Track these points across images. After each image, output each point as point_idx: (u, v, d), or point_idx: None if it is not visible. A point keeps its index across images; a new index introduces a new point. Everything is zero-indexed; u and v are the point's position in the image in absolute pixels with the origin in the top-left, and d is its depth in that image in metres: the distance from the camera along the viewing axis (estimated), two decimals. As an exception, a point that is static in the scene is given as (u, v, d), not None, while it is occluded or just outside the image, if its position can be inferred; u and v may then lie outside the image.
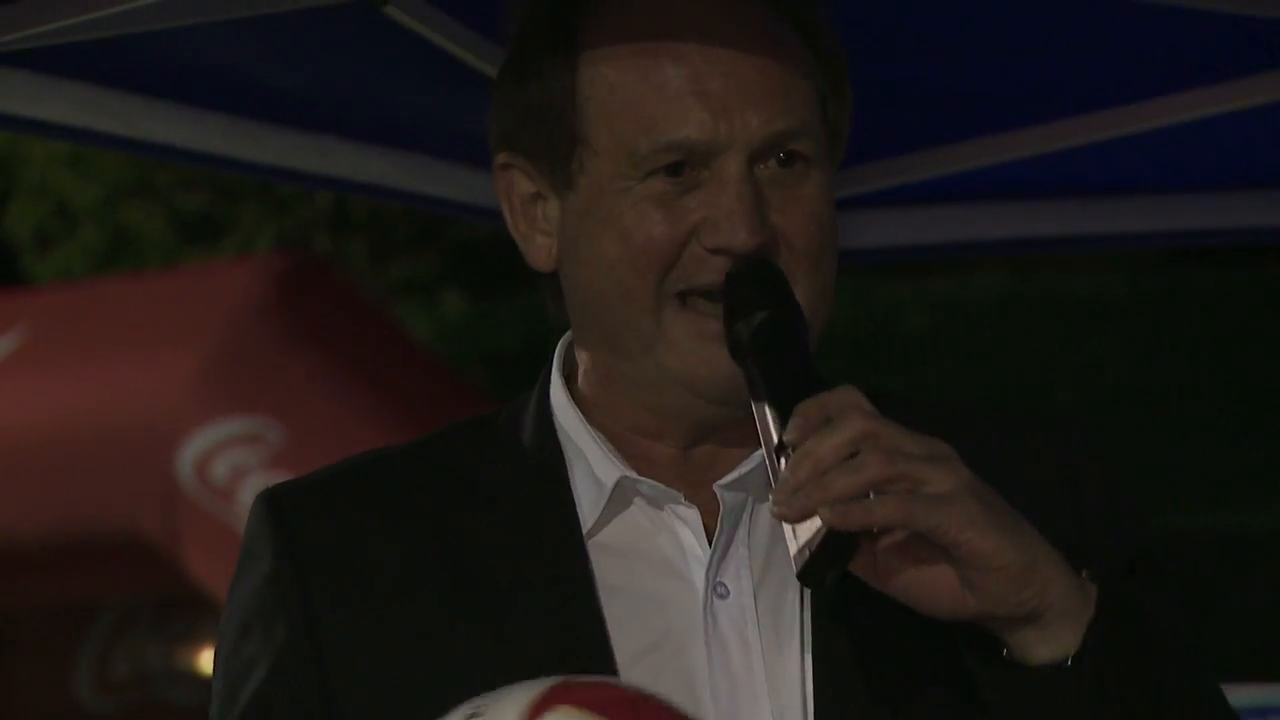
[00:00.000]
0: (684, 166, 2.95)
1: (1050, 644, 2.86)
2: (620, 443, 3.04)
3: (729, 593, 2.98)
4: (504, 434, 3.11)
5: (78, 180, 25.29)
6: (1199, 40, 4.66)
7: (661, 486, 3.01)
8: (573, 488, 3.04)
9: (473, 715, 2.67)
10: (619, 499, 3.02)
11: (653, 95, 2.95)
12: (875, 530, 2.78)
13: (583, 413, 3.07)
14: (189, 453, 14.13)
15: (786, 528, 2.81)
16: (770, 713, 2.94)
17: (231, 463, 13.95)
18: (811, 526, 2.78)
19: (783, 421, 2.83)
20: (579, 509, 3.03)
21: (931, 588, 2.83)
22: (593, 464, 3.04)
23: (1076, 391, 26.69)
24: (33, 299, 18.12)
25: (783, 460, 2.82)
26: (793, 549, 2.81)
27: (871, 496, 2.78)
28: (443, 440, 3.18)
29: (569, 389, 3.10)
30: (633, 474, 3.02)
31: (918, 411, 3.06)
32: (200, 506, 13.96)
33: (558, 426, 3.08)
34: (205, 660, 16.01)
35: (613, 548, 3.02)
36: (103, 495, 14.43)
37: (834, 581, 2.81)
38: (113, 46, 4.43)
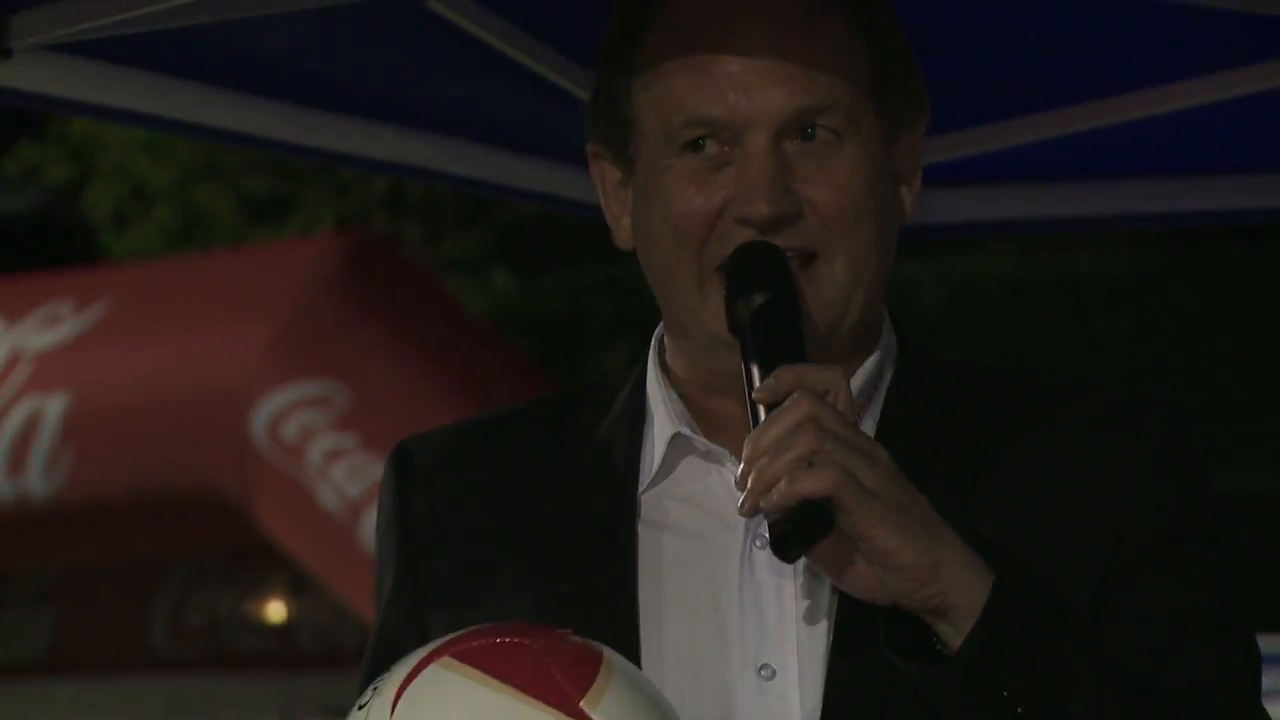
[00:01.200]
0: (709, 141, 2.97)
1: (960, 638, 2.86)
2: (691, 401, 3.06)
3: (766, 545, 2.94)
4: (608, 395, 3.14)
5: (152, 164, 25.27)
6: (1197, 32, 4.64)
7: (711, 444, 3.03)
8: (642, 444, 3.07)
9: (381, 676, 2.77)
10: (675, 453, 3.05)
11: (686, 79, 2.97)
12: (818, 499, 2.78)
13: (665, 375, 3.10)
14: (262, 414, 14.18)
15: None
16: (795, 650, 2.95)
17: (301, 423, 14.00)
18: (775, 515, 2.80)
19: (753, 393, 2.86)
20: (643, 459, 3.06)
21: (853, 574, 2.85)
22: (659, 421, 3.07)
23: (1079, 363, 26.66)
24: (116, 274, 18.16)
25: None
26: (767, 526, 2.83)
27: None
28: (562, 399, 3.24)
29: (659, 358, 3.12)
30: (687, 430, 3.04)
31: (968, 372, 3.12)
32: (272, 464, 14.01)
33: (647, 390, 3.11)
34: (273, 610, 16.05)
35: (668, 495, 3.04)
36: (181, 455, 14.47)
37: (799, 556, 2.82)
38: (177, 38, 4.43)
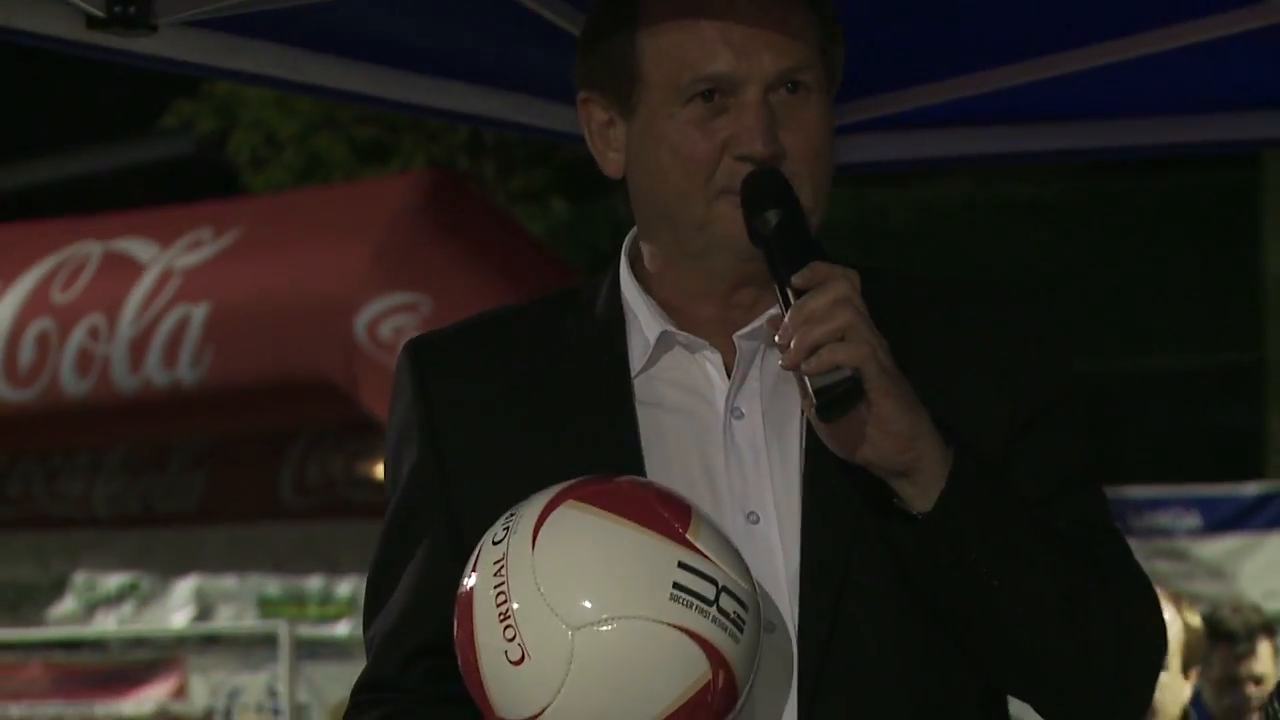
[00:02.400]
0: (714, 94, 2.92)
1: (921, 498, 2.82)
2: (670, 307, 3.00)
3: (744, 415, 2.95)
4: (585, 300, 3.08)
5: (282, 116, 25.42)
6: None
7: (694, 337, 2.98)
8: (627, 338, 3.01)
9: (511, 515, 2.70)
10: (662, 346, 2.99)
11: (692, 42, 2.93)
12: (852, 373, 2.75)
13: (642, 286, 3.03)
14: (363, 319, 14.21)
15: (799, 378, 2.78)
16: (772, 501, 2.90)
17: (394, 325, 14.02)
18: (826, 379, 2.74)
19: (793, 280, 2.81)
20: (630, 354, 3.00)
21: (843, 435, 2.80)
22: (643, 322, 3.01)
23: (1021, 270, 26.70)
24: (250, 203, 18.29)
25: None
26: (810, 393, 2.76)
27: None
28: (542, 304, 3.16)
29: (633, 270, 3.06)
30: (672, 328, 2.99)
31: (900, 283, 3.05)
32: (371, 358, 14.04)
33: (622, 295, 3.05)
34: (376, 470, 16.05)
35: (657, 380, 2.98)
36: (300, 351, 14.52)
37: (838, 418, 2.77)
38: (290, 13, 4.40)
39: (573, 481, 2.73)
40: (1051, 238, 28.60)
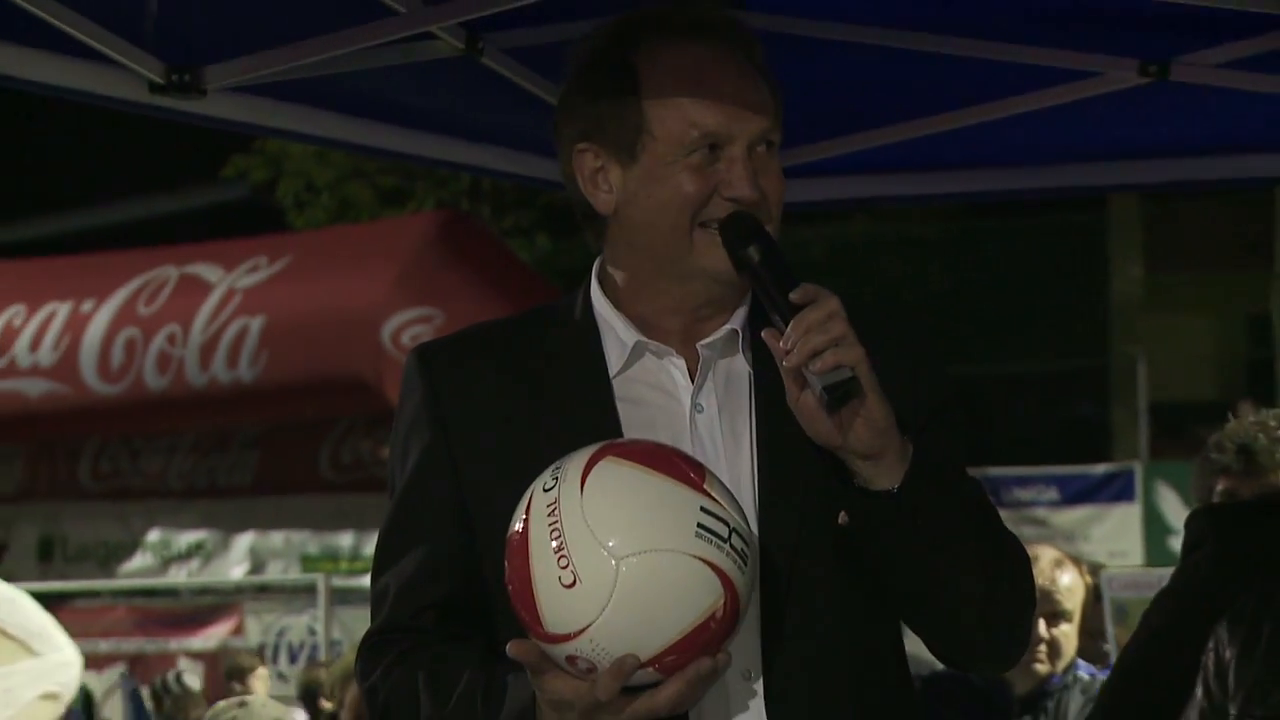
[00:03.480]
0: (716, 149, 2.89)
1: (883, 478, 2.78)
2: (639, 320, 2.94)
3: (704, 409, 2.91)
4: (563, 314, 3.01)
5: (319, 167, 25.58)
6: (1011, 69, 4.59)
7: (663, 346, 2.93)
8: (604, 346, 2.96)
9: (557, 468, 2.67)
10: (636, 354, 2.93)
11: (696, 106, 2.88)
12: (851, 372, 2.74)
13: (612, 302, 2.97)
14: (388, 329, 14.22)
15: (808, 375, 2.77)
16: (729, 481, 2.81)
17: (413, 334, 14.04)
18: (833, 377, 2.74)
19: (787, 302, 2.78)
20: (608, 359, 2.94)
21: (820, 423, 2.76)
22: (619, 332, 2.95)
23: (911, 292, 26.77)
24: (296, 237, 18.30)
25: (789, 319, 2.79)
26: (816, 389, 2.75)
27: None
28: (525, 317, 3.10)
29: (602, 289, 2.99)
30: (644, 339, 2.93)
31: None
32: (395, 361, 13.98)
33: (594, 310, 2.98)
34: (398, 452, 16.06)
35: (633, 381, 2.93)
36: (337, 354, 14.52)
37: (842, 408, 2.76)
38: (318, 82, 4.37)
39: (607, 441, 2.72)
40: (937, 266, 28.77)
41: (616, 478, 2.65)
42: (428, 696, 2.84)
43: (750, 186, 2.86)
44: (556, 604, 2.62)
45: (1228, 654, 3.37)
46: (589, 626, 2.61)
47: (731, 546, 2.63)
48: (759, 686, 2.82)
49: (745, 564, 2.64)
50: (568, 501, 2.64)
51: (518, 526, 2.67)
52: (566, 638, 2.62)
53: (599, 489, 2.65)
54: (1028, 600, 2.93)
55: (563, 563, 2.61)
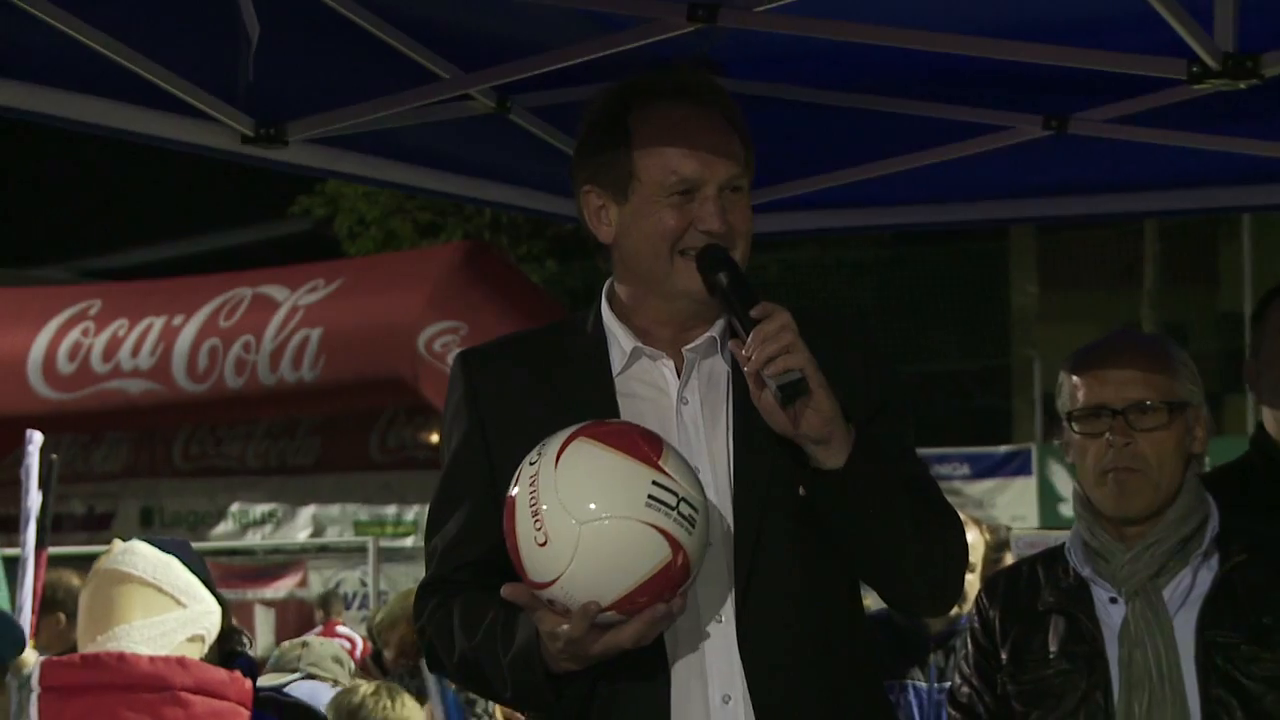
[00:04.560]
0: (690, 192, 2.87)
1: (831, 460, 2.77)
2: (638, 330, 2.93)
3: (689, 402, 2.89)
4: (579, 326, 3.00)
5: (368, 205, 25.48)
6: (939, 124, 4.59)
7: (656, 350, 2.91)
8: (609, 352, 2.94)
9: (542, 446, 2.69)
10: (634, 357, 2.92)
11: (675, 156, 2.87)
12: (800, 374, 2.73)
13: (617, 315, 2.96)
14: (423, 338, 14.14)
15: (765, 377, 2.75)
16: (708, 461, 2.84)
17: (443, 342, 13.97)
18: (784, 378, 2.73)
19: (748, 317, 2.77)
20: (612, 362, 2.93)
21: (777, 416, 2.76)
22: (621, 340, 2.93)
23: (851, 306, 26.70)
24: (349, 263, 18.25)
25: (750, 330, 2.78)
26: (772, 389, 2.75)
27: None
28: (551, 327, 3.10)
29: (610, 304, 2.98)
30: (641, 344, 2.92)
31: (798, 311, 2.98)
32: (429, 364, 13.99)
33: (604, 322, 2.97)
34: (433, 438, 15.99)
35: (632, 380, 2.91)
36: (382, 359, 14.44)
37: (794, 404, 2.74)
38: (376, 135, 4.39)
39: (585, 423, 2.72)
40: (870, 284, 28.74)
41: (584, 455, 2.66)
42: (461, 632, 2.85)
43: (719, 222, 2.84)
44: (534, 558, 2.65)
45: (992, 613, 3.31)
46: (559, 578, 2.63)
47: (679, 513, 2.63)
48: (731, 629, 2.81)
49: (693, 527, 2.64)
50: (544, 474, 2.66)
51: (511, 493, 2.69)
52: (543, 585, 2.65)
53: (569, 464, 2.66)
54: (959, 560, 2.90)
55: (538, 525, 2.63)
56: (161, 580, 3.50)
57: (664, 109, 2.89)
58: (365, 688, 4.79)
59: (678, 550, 2.62)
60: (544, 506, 2.64)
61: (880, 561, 2.86)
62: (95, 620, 3.47)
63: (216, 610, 3.55)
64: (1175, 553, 3.13)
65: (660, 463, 2.66)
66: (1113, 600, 3.15)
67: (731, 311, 2.82)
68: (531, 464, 2.69)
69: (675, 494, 2.63)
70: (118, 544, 3.63)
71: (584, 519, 2.62)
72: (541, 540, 2.63)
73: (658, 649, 2.78)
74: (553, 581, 2.64)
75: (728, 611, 2.81)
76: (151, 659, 3.34)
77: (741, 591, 2.81)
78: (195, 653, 3.45)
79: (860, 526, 2.81)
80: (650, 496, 2.62)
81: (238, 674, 3.47)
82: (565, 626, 2.65)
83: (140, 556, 3.56)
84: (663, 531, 2.62)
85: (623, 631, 2.66)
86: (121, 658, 3.34)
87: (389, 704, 4.67)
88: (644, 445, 2.67)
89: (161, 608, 3.46)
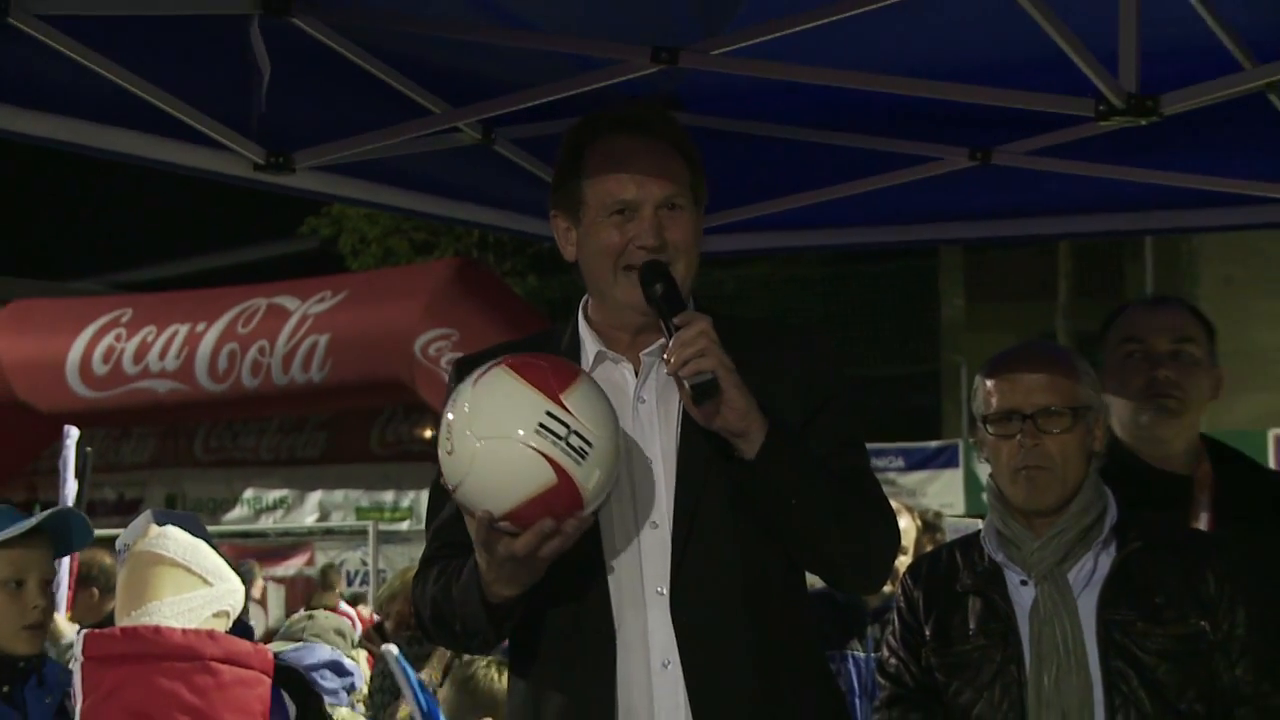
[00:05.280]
0: (626, 210, 2.86)
1: (750, 450, 2.75)
2: (603, 336, 2.92)
3: (645, 400, 2.88)
4: (559, 335, 2.98)
5: (369, 225, 25.40)
6: (877, 155, 4.59)
7: (617, 354, 2.90)
8: (581, 356, 2.93)
9: (472, 370, 2.70)
10: (599, 360, 2.91)
11: (614, 181, 2.86)
12: (711, 376, 2.71)
13: (589, 324, 2.95)
14: (419, 343, 14.02)
15: (679, 380, 2.74)
16: (660, 452, 2.84)
17: (436, 347, 13.86)
18: (697, 379, 2.72)
19: (673, 325, 2.76)
20: (584, 362, 2.91)
21: (702, 412, 2.75)
22: (589, 346, 2.93)
23: (798, 317, 26.72)
24: (352, 277, 18.10)
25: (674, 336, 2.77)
26: (686, 388, 2.73)
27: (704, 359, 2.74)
28: (536, 336, 3.07)
29: (584, 314, 2.97)
30: (604, 349, 2.91)
31: (740, 323, 2.95)
32: (424, 367, 13.87)
33: (579, 330, 2.96)
34: (427, 433, 15.93)
35: (597, 379, 2.85)
36: (383, 362, 14.36)
37: (706, 402, 2.73)
38: (377, 163, 4.36)
39: (510, 355, 2.71)
40: (816, 297, 28.76)
41: (496, 380, 2.66)
42: (433, 584, 2.87)
43: (653, 237, 2.83)
44: (445, 464, 2.67)
45: (916, 594, 3.30)
46: (460, 485, 2.64)
47: (568, 444, 2.61)
48: (666, 595, 2.79)
49: (583, 458, 2.61)
50: (462, 393, 2.67)
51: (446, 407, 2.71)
52: (453, 490, 2.67)
53: (482, 386, 2.66)
54: (882, 544, 2.87)
55: (448, 436, 2.65)
56: (190, 561, 3.52)
57: (612, 140, 2.88)
58: (480, 661, 4.79)
59: (562, 475, 2.60)
60: (453, 419, 2.65)
61: (803, 542, 2.83)
62: (131, 597, 3.50)
63: (240, 589, 3.56)
64: (1078, 541, 3.14)
65: (561, 397, 2.63)
66: (1023, 583, 3.16)
67: (662, 320, 2.80)
68: (460, 383, 2.70)
69: (567, 426, 2.61)
70: (153, 528, 3.64)
71: (480, 435, 2.61)
72: (449, 449, 2.65)
73: (604, 617, 2.77)
74: (456, 487, 2.65)
75: (665, 584, 2.79)
76: (184, 632, 3.35)
77: (677, 565, 2.79)
78: (221, 626, 3.47)
79: (780, 510, 2.78)
80: (541, 425, 2.61)
81: (261, 646, 3.48)
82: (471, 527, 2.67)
83: (172, 540, 3.59)
84: (547, 457, 2.60)
85: (517, 541, 2.64)
86: (157, 630, 3.36)
87: (496, 676, 4.67)
88: (551, 380, 2.66)
89: (190, 586, 3.48)
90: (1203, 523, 3.49)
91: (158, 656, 3.36)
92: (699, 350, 2.72)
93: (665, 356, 2.75)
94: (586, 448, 2.62)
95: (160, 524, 3.70)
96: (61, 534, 3.68)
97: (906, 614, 3.28)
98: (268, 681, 3.44)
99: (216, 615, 3.51)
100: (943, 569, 3.27)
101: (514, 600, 2.74)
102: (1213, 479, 3.55)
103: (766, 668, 2.80)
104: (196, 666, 3.37)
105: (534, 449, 2.60)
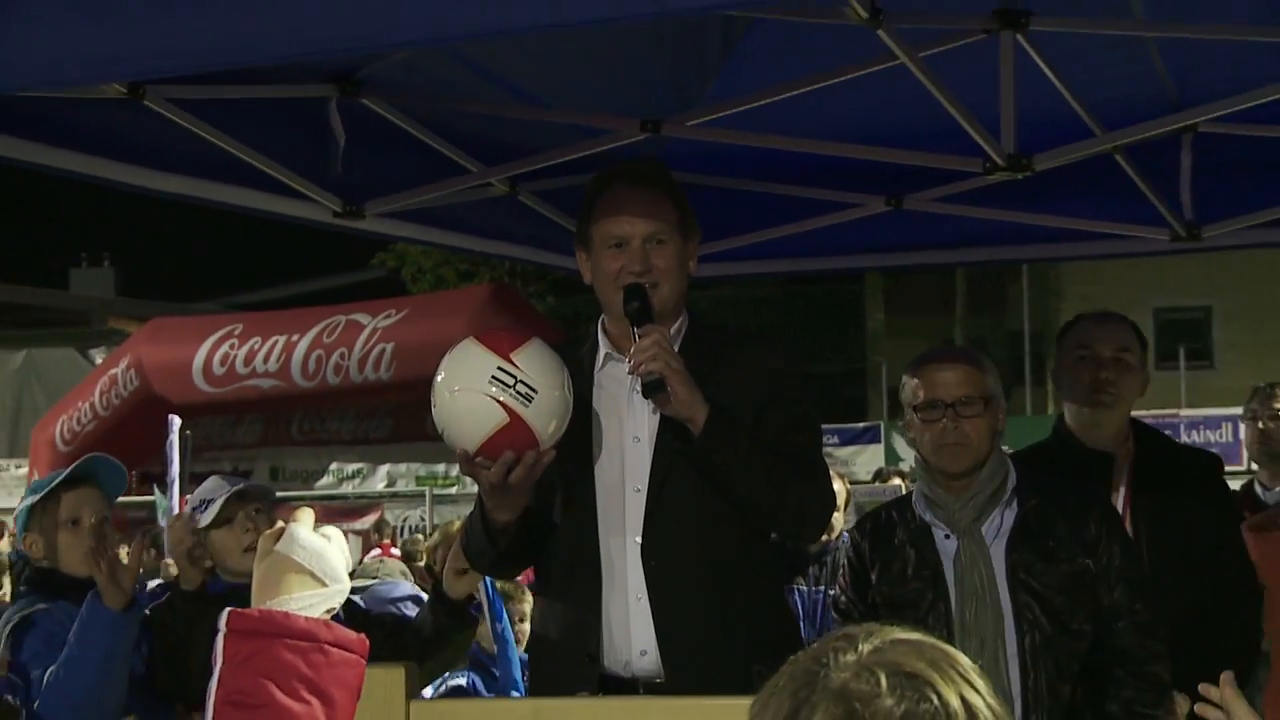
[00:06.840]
0: (620, 244, 2.84)
1: (696, 430, 2.73)
2: (614, 342, 2.89)
3: (638, 391, 2.82)
4: (584, 340, 2.97)
5: (425, 258, 25.34)
6: (812, 202, 4.55)
7: (620, 356, 2.86)
8: (596, 357, 2.90)
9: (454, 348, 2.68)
10: (605, 360, 2.89)
11: (610, 223, 2.85)
12: (658, 375, 2.69)
13: (603, 332, 2.93)
14: (460, 353, 13.85)
15: (635, 378, 2.75)
16: (646, 437, 2.80)
17: (477, 354, 13.70)
18: (646, 378, 2.71)
19: (638, 332, 2.75)
20: (597, 364, 2.89)
21: (656, 402, 2.74)
22: (601, 348, 2.91)
23: (758, 327, 26.66)
24: (412, 299, 17.86)
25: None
26: (638, 384, 2.74)
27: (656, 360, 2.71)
28: (573, 339, 3.05)
29: (601, 325, 2.94)
30: (611, 351, 2.89)
31: (720, 330, 2.94)
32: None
33: (596, 338, 2.93)
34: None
35: (604, 376, 2.87)
36: (436, 365, 14.14)
37: (653, 397, 2.72)
38: (431, 210, 4.31)
39: (486, 328, 2.71)
40: (769, 312, 28.77)
41: (465, 348, 2.65)
42: (468, 526, 2.86)
43: (639, 265, 2.80)
44: (435, 417, 2.65)
45: (864, 545, 3.27)
46: (445, 430, 2.64)
47: (516, 390, 2.59)
48: (639, 543, 2.76)
49: (529, 402, 2.59)
50: (444, 360, 2.66)
51: None
52: (443, 436, 2.65)
53: (454, 353, 2.66)
54: (814, 504, 2.81)
55: (434, 394, 2.64)
56: (314, 567, 3.49)
57: (614, 189, 2.86)
58: None
59: (513, 415, 2.59)
60: (438, 379, 2.64)
61: (746, 504, 2.79)
62: (264, 591, 3.48)
63: (347, 589, 3.55)
64: (988, 501, 3.14)
65: (511, 355, 2.61)
66: (947, 537, 3.16)
67: (633, 329, 2.78)
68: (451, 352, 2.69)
69: (514, 377, 2.59)
70: (287, 532, 3.64)
71: (450, 389, 2.61)
72: (434, 404, 2.64)
73: (594, 560, 2.75)
74: (443, 433, 2.64)
75: (637, 532, 2.77)
76: (307, 618, 3.34)
77: (649, 516, 2.77)
78: (328, 615, 3.46)
79: (724, 477, 2.75)
80: (493, 376, 2.59)
81: (363, 635, 3.47)
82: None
83: (302, 548, 3.56)
84: (499, 401, 2.59)
85: (490, 471, 2.61)
86: (286, 615, 3.34)
87: None
88: (504, 344, 2.64)
89: (311, 588, 3.47)
90: (1121, 489, 3.51)
91: (286, 635, 3.37)
92: (650, 355, 2.70)
93: (628, 359, 2.72)
94: (532, 393, 2.60)
95: (232, 486, 3.66)
96: (105, 479, 3.65)
97: (855, 561, 3.28)
98: (363, 665, 3.44)
99: (326, 612, 3.52)
100: (883, 524, 3.27)
101: (509, 524, 2.73)
102: (1133, 455, 3.57)
103: (720, 602, 2.77)
104: (313, 647, 3.36)
105: (490, 396, 2.58)
